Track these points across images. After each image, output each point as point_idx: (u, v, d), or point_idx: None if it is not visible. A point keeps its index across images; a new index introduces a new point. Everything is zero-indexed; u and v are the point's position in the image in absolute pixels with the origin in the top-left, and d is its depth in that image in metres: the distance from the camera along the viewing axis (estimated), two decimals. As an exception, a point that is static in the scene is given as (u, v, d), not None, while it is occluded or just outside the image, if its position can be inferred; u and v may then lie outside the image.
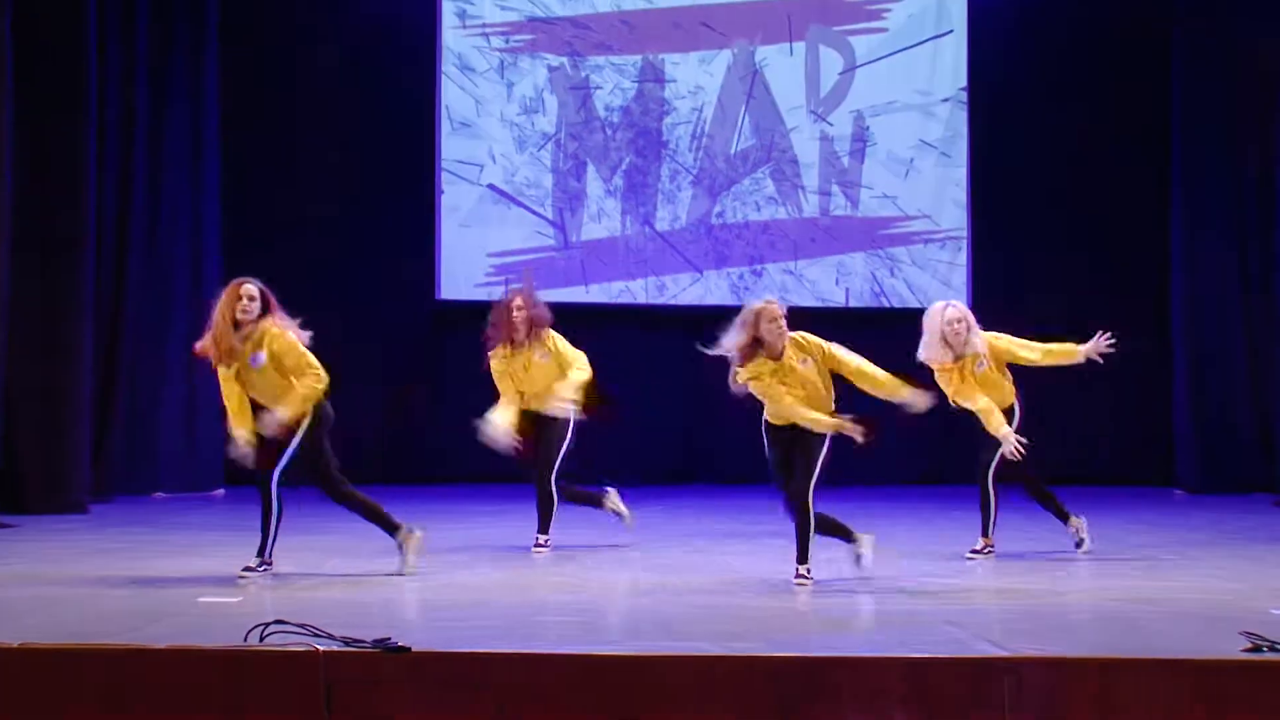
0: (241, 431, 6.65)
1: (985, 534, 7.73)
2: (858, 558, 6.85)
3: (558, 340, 8.10)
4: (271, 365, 6.63)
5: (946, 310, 7.53)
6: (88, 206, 10.22)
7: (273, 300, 6.71)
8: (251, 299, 6.64)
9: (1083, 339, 7.78)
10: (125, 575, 6.78)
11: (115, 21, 11.06)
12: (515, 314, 7.99)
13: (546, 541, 7.95)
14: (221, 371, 6.70)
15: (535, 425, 8.08)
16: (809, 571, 6.63)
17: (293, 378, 6.62)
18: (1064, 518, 7.82)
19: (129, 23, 11.27)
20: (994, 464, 7.59)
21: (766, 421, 6.80)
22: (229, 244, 12.16)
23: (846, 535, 6.86)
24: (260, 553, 6.75)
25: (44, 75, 9.93)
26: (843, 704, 4.59)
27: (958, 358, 7.48)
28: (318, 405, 6.68)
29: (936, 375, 7.54)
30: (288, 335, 6.65)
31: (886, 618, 5.83)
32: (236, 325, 6.61)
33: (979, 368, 7.57)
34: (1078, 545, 7.81)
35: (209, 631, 5.09)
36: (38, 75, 9.85)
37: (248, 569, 6.71)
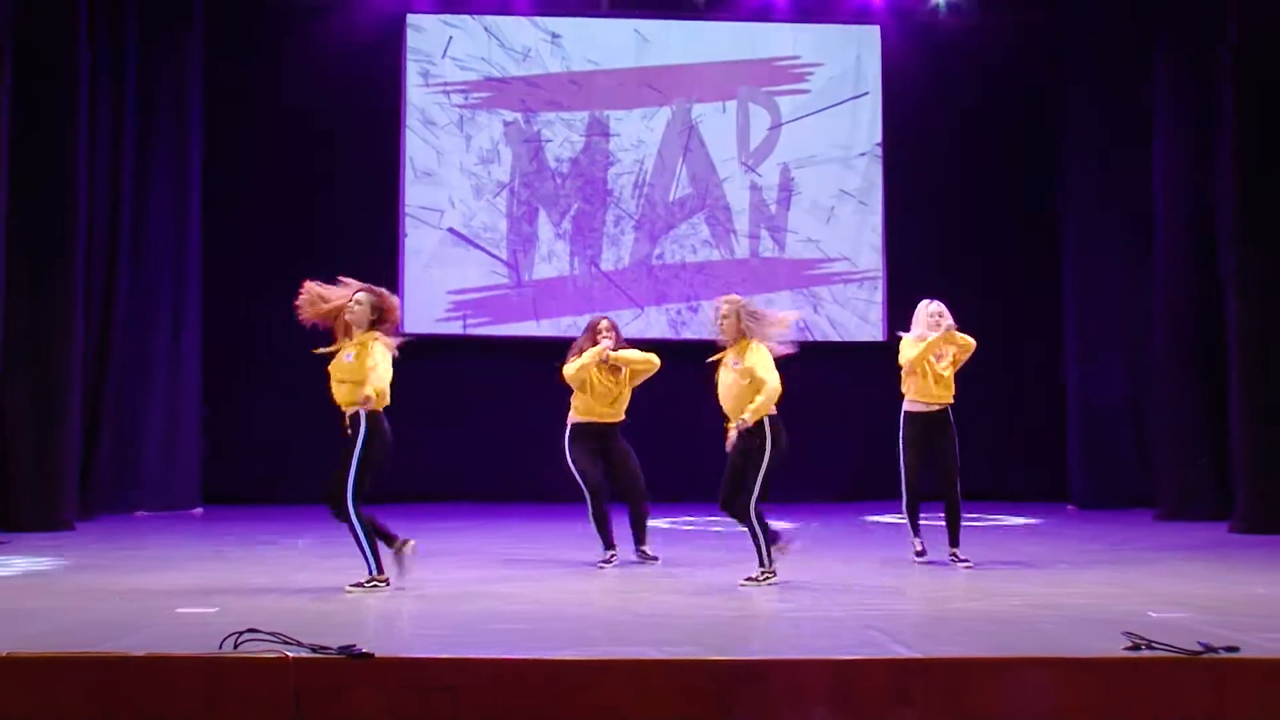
0: None
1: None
2: None
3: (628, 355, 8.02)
4: None
5: (930, 305, 7.99)
6: (76, 247, 10.11)
7: None
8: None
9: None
10: (108, 588, 6.66)
11: (105, 92, 10.94)
12: (604, 331, 7.93)
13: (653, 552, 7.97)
14: None
15: (610, 449, 7.92)
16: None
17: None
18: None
19: (118, 91, 11.15)
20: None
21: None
22: (209, 280, 12.09)
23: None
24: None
25: (36, 116, 9.82)
26: (775, 701, 4.59)
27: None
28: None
29: (905, 344, 7.90)
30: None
31: (812, 622, 5.83)
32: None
33: (940, 358, 7.85)
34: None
35: (187, 640, 5.01)
36: (31, 110, 9.73)
37: None
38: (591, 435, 7.88)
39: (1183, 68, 11.36)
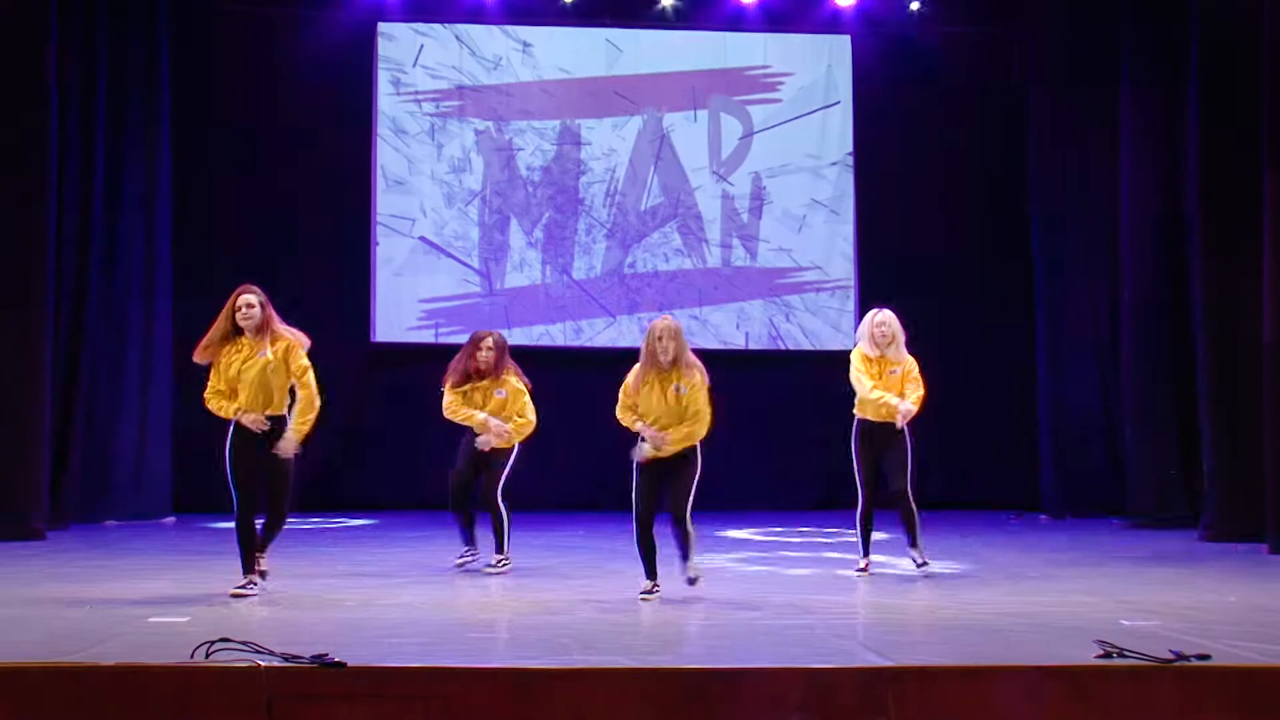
0: None
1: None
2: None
3: (515, 381, 8.15)
4: None
5: (876, 315, 7.96)
6: (48, 252, 10.05)
7: None
8: None
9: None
10: (80, 597, 6.62)
11: (76, 99, 10.88)
12: (484, 351, 8.02)
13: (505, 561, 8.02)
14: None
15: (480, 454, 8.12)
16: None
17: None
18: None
19: (88, 98, 11.08)
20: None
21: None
22: (180, 288, 12.00)
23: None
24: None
25: (4, 133, 9.77)
26: (749, 710, 4.60)
27: (880, 355, 7.86)
28: None
29: (853, 362, 7.92)
30: None
31: (785, 631, 5.85)
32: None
33: (891, 373, 7.85)
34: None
35: (158, 650, 4.98)
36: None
37: None
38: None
39: (1149, 75, 11.46)
